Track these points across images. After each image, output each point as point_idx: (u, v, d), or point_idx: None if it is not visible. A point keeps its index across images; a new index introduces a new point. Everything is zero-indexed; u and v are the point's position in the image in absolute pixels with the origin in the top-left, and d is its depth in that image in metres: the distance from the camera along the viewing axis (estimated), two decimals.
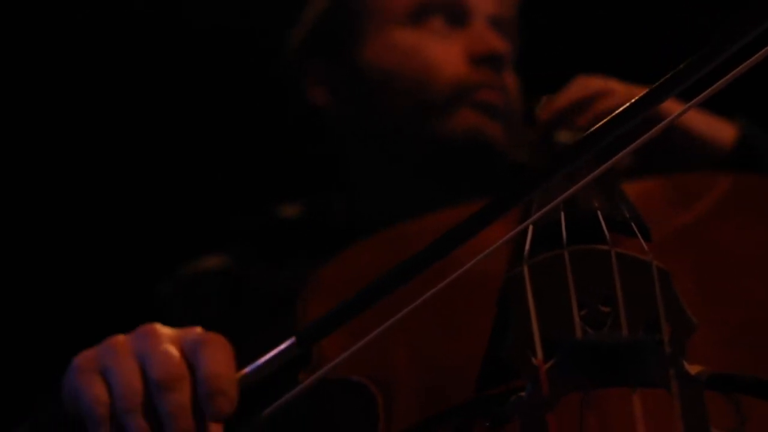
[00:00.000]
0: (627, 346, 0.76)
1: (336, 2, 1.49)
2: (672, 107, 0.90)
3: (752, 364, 0.84)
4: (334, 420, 0.95)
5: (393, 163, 1.44)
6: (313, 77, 1.50)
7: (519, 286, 0.86)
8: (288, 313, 1.05)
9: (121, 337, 0.88)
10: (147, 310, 1.31)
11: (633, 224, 0.94)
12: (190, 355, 0.85)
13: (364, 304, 0.84)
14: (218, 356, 0.85)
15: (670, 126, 0.81)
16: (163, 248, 1.26)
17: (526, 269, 0.87)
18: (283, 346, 0.85)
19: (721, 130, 1.28)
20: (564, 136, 1.39)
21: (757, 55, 0.78)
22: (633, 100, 0.80)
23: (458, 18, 1.44)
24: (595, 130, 0.81)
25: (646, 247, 0.90)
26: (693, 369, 0.81)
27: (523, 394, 0.80)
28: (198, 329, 0.89)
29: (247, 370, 0.86)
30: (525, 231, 0.97)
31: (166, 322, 0.91)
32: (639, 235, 0.93)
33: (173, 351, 0.85)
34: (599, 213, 0.95)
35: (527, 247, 0.90)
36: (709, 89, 0.79)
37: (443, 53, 1.42)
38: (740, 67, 0.78)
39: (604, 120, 0.81)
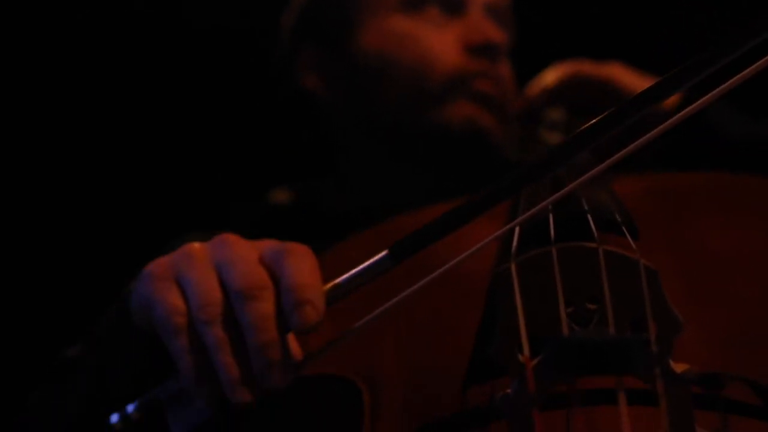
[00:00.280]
0: (613, 343, 0.76)
1: None
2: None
3: (741, 363, 0.84)
4: (317, 416, 0.94)
5: (385, 151, 1.43)
6: (305, 62, 1.48)
7: (506, 282, 0.86)
8: None
9: (197, 245, 0.83)
10: None
11: (621, 222, 0.94)
12: (272, 264, 0.81)
13: (455, 223, 0.81)
14: (303, 265, 0.80)
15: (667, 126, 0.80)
16: (155, 235, 1.25)
17: (513, 266, 0.87)
18: (376, 258, 0.81)
19: None
20: (554, 114, 1.40)
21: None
22: (634, 96, 0.80)
23: (454, 6, 1.43)
24: (591, 125, 0.80)
25: (634, 246, 0.90)
26: (679, 367, 0.80)
27: (509, 391, 0.80)
28: (275, 240, 0.84)
29: (338, 280, 0.81)
30: (513, 229, 0.97)
31: None
32: (627, 233, 0.93)
33: (255, 259, 0.81)
34: (587, 210, 0.94)
35: (515, 243, 0.90)
36: (716, 90, 0.79)
37: (439, 42, 1.41)
38: (745, 71, 0.78)
39: (602, 115, 0.80)
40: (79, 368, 0.97)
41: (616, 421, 0.73)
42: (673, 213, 1.04)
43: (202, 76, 1.94)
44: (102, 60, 1.93)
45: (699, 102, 0.79)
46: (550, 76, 1.43)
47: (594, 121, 0.81)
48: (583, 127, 0.81)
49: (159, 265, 0.82)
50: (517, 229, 0.92)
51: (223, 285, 0.79)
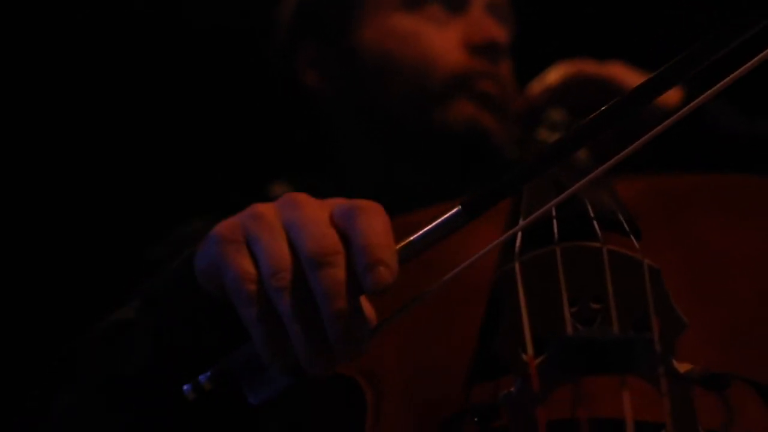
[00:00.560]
0: (617, 342, 0.76)
1: None
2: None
3: (742, 363, 0.84)
4: (321, 414, 0.94)
5: (383, 148, 1.42)
6: (304, 58, 1.47)
7: (510, 282, 0.86)
8: None
9: (266, 206, 0.81)
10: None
11: (624, 223, 0.94)
12: (343, 223, 0.78)
13: (525, 179, 0.80)
14: (375, 224, 0.77)
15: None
16: (156, 229, 1.25)
17: (517, 265, 0.87)
18: (449, 215, 0.78)
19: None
20: (555, 114, 1.40)
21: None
22: (634, 88, 0.80)
23: (456, 4, 1.42)
24: (591, 119, 0.80)
25: (637, 246, 0.90)
26: (682, 367, 0.81)
27: (512, 389, 0.80)
28: (345, 199, 0.81)
29: (411, 237, 0.78)
30: (515, 227, 0.97)
31: None
32: (630, 233, 0.93)
33: (325, 221, 0.78)
34: (591, 210, 0.95)
35: (518, 243, 0.90)
36: (718, 85, 0.78)
37: (441, 40, 1.40)
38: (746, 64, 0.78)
39: (602, 109, 0.80)
40: (135, 331, 0.94)
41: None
42: (673, 213, 1.04)
43: (202, 74, 1.94)
44: (102, 59, 1.93)
45: (701, 98, 0.79)
46: (552, 75, 1.43)
47: (597, 112, 0.80)
48: (588, 118, 0.80)
49: (228, 226, 0.80)
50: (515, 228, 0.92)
51: (294, 248, 0.77)
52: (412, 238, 0.79)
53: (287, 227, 0.78)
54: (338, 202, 0.81)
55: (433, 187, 1.30)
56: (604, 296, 0.84)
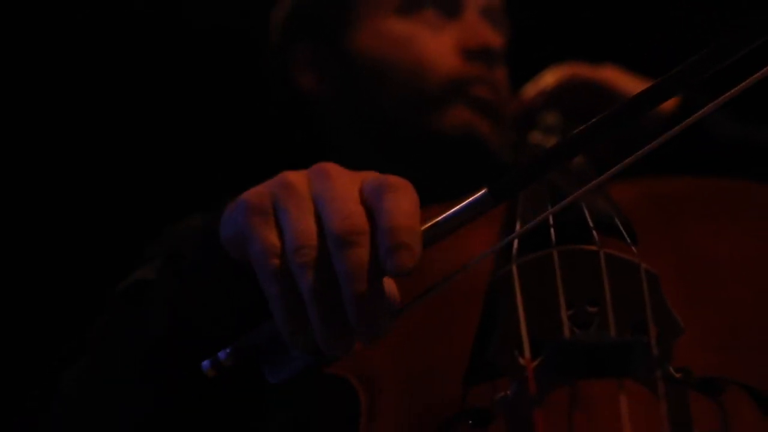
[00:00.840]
0: (615, 346, 0.76)
1: None
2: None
3: (737, 367, 0.84)
4: (315, 415, 0.94)
5: (377, 152, 1.41)
6: (300, 60, 1.46)
7: (507, 284, 0.86)
8: None
9: (296, 175, 0.80)
10: None
11: (621, 227, 0.94)
12: (371, 199, 0.77)
13: (553, 164, 0.78)
14: (403, 203, 0.76)
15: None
16: (153, 231, 1.25)
17: (514, 268, 0.87)
18: (475, 197, 0.77)
19: None
20: (549, 118, 1.40)
21: None
22: (634, 95, 0.79)
23: (451, 9, 1.42)
24: (591, 124, 0.79)
25: (634, 250, 0.90)
26: (678, 371, 0.81)
27: (508, 392, 0.80)
28: (376, 173, 0.80)
29: (437, 219, 0.77)
30: (511, 229, 0.97)
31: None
32: (627, 237, 0.93)
33: (354, 196, 0.77)
34: (587, 214, 0.95)
35: (515, 246, 0.90)
36: (724, 96, 0.78)
37: (436, 45, 1.39)
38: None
39: (602, 115, 0.80)
40: (155, 295, 0.93)
41: (616, 423, 0.73)
42: (668, 218, 1.04)
43: (201, 74, 1.94)
44: (102, 59, 1.93)
45: (705, 109, 0.79)
46: (546, 79, 1.43)
47: (590, 123, 0.79)
48: (578, 129, 0.79)
49: (257, 195, 0.79)
50: (516, 230, 0.92)
51: (320, 222, 0.76)
52: (437, 219, 0.77)
53: (316, 198, 0.77)
54: (369, 176, 0.80)
55: (428, 190, 1.30)
56: (601, 300, 0.84)
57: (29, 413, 1.05)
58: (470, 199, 0.78)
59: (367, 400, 0.87)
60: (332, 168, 0.80)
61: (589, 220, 0.93)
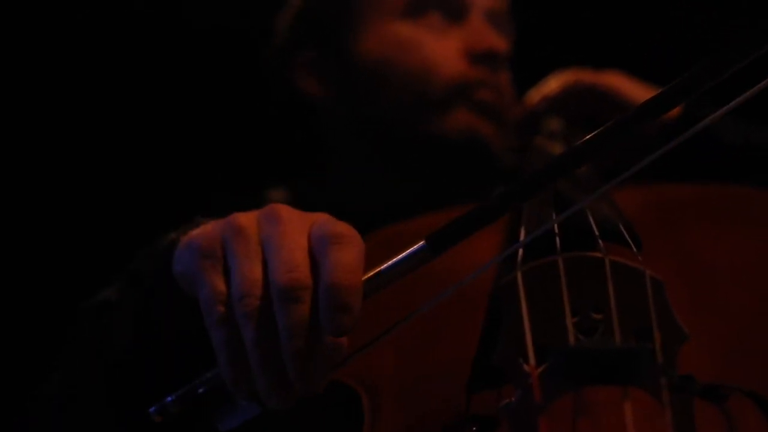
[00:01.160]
0: (620, 353, 0.76)
1: None
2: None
3: (741, 374, 0.84)
4: (317, 420, 0.94)
5: (382, 156, 1.41)
6: (302, 64, 1.46)
7: (512, 291, 0.86)
8: None
9: (246, 219, 0.80)
10: None
11: (625, 233, 0.94)
12: (317, 249, 0.77)
13: (495, 215, 0.79)
14: (347, 257, 0.76)
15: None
16: (152, 233, 1.25)
17: (519, 275, 0.87)
18: (413, 248, 0.78)
19: None
20: (552, 124, 1.40)
21: None
22: (638, 105, 0.79)
23: (455, 12, 1.42)
24: (601, 131, 0.79)
25: (639, 257, 0.90)
26: (683, 378, 0.81)
27: (513, 399, 0.80)
28: (327, 216, 0.81)
29: (380, 268, 0.78)
30: (515, 235, 0.97)
31: None
32: (632, 244, 0.93)
33: (302, 244, 0.77)
34: (592, 221, 0.95)
35: (520, 253, 0.90)
36: (731, 104, 0.78)
37: (441, 49, 1.39)
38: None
39: (607, 124, 0.79)
40: (116, 315, 0.95)
41: (621, 430, 0.73)
42: (671, 224, 1.04)
43: (201, 75, 1.94)
44: (102, 59, 1.92)
45: (712, 116, 0.79)
46: (551, 84, 1.43)
47: (597, 131, 0.80)
48: (585, 138, 0.80)
49: (207, 237, 0.80)
50: (521, 236, 0.92)
51: (266, 269, 0.77)
52: (380, 268, 0.78)
53: (264, 243, 0.78)
54: (319, 220, 0.80)
55: (431, 195, 1.30)
56: (606, 307, 0.84)
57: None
58: (409, 250, 0.79)
59: (370, 405, 0.87)
60: (283, 211, 0.81)
61: (594, 226, 0.93)
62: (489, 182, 1.33)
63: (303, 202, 1.43)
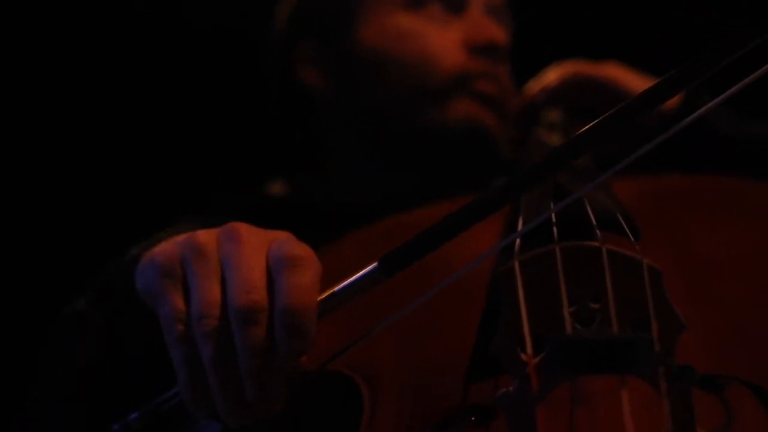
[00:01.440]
0: (617, 342, 0.76)
1: None
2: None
3: (738, 364, 0.84)
4: (316, 410, 0.94)
5: (382, 147, 1.41)
6: (303, 55, 1.46)
7: (509, 281, 0.86)
8: None
9: (206, 237, 0.81)
10: None
11: (623, 222, 0.94)
12: (274, 269, 0.79)
13: (447, 235, 0.79)
14: (302, 281, 0.78)
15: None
16: (152, 227, 1.25)
17: (516, 264, 0.87)
18: (365, 270, 0.80)
19: None
20: (552, 115, 1.40)
21: None
22: (637, 95, 0.79)
23: (455, 4, 1.42)
24: (592, 126, 0.79)
25: (636, 246, 0.90)
26: (680, 368, 0.81)
27: (510, 388, 0.80)
28: (287, 236, 0.82)
29: (334, 289, 0.80)
30: (514, 226, 0.97)
31: None
32: (629, 233, 0.93)
33: (259, 264, 0.79)
34: (590, 210, 0.94)
35: (517, 242, 0.90)
36: (726, 93, 0.78)
37: (441, 40, 1.39)
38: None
39: (604, 116, 0.79)
40: (86, 324, 0.96)
41: (618, 419, 0.73)
42: (669, 214, 1.04)
43: (201, 73, 1.94)
44: (102, 59, 1.93)
45: (708, 105, 0.79)
46: (550, 76, 1.43)
47: (596, 121, 0.80)
48: (584, 128, 0.80)
49: (167, 256, 0.81)
50: (519, 226, 0.92)
51: (224, 289, 0.79)
52: (334, 289, 0.80)
53: (223, 262, 0.80)
54: (277, 239, 0.81)
55: (431, 186, 1.30)
56: (603, 296, 0.83)
57: None
58: (362, 271, 0.80)
59: (370, 396, 0.87)
60: (243, 229, 0.82)
61: (591, 215, 0.93)
62: (489, 173, 1.33)
63: (302, 195, 1.45)
